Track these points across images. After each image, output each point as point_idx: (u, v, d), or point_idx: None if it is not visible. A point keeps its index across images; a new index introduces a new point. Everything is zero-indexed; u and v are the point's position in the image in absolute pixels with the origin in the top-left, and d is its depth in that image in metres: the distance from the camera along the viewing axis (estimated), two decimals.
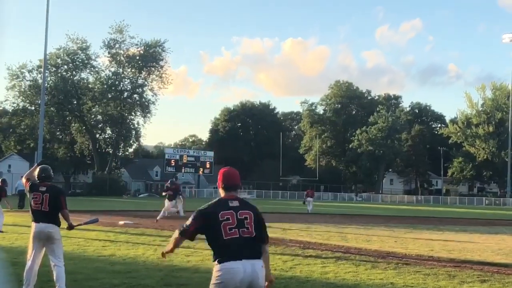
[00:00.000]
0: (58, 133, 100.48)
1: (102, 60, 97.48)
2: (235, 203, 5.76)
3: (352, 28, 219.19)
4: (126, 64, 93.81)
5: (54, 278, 8.79)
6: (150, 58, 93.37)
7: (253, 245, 5.66)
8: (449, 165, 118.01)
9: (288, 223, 27.89)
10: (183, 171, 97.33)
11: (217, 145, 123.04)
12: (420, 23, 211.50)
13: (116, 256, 13.56)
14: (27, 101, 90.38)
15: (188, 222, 5.66)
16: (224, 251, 5.50)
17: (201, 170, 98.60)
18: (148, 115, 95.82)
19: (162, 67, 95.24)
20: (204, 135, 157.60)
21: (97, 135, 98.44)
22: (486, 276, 12.18)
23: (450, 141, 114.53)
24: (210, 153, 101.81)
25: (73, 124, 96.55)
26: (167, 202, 28.39)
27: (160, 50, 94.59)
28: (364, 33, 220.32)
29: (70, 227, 9.19)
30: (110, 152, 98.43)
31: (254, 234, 5.72)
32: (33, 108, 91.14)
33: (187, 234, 5.69)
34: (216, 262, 5.51)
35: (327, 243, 18.55)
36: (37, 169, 9.13)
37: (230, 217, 5.60)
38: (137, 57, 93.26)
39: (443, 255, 16.01)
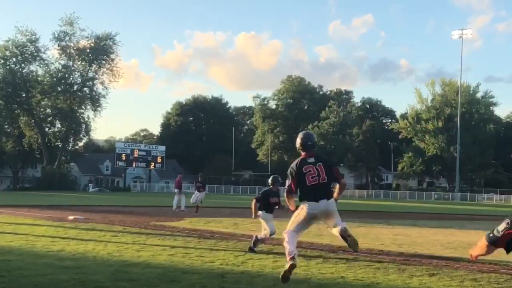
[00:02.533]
0: (6, 127, 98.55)
1: (52, 53, 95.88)
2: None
3: (305, 22, 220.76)
4: (76, 57, 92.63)
5: None
6: (100, 51, 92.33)
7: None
8: (399, 160, 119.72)
9: (240, 217, 27.85)
10: (134, 165, 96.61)
11: (169, 140, 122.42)
12: (372, 19, 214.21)
13: (66, 252, 13.34)
14: None
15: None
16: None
17: (153, 165, 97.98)
18: (99, 108, 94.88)
19: (113, 60, 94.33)
20: (156, 130, 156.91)
21: (46, 129, 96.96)
22: (435, 269, 12.34)
23: (400, 136, 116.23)
24: (162, 148, 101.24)
25: (21, 118, 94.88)
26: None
27: (111, 43, 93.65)
28: (316, 28, 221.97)
29: None
30: (60, 146, 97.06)
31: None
32: None
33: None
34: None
35: (278, 238, 18.58)
36: None
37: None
38: (88, 50, 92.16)
39: (393, 249, 16.19)
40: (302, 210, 9.38)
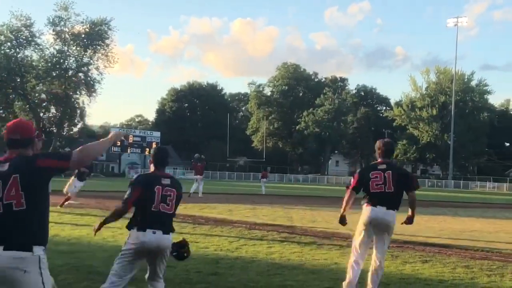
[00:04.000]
0: (1, 112, 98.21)
1: (47, 38, 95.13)
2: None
3: (301, 9, 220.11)
4: (71, 42, 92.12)
5: None
6: (95, 36, 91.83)
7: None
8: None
9: (234, 204, 27.94)
10: (128, 151, 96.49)
11: (164, 126, 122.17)
12: (369, 6, 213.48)
13: (60, 237, 13.39)
14: None
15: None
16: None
17: (147, 151, 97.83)
18: (94, 94, 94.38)
19: (108, 45, 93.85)
20: (151, 116, 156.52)
21: (41, 114, 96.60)
22: (428, 256, 12.46)
23: (394, 123, 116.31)
24: (157, 134, 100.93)
25: (16, 103, 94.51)
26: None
27: (106, 28, 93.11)
28: (313, 15, 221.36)
29: None
30: (54, 131, 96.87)
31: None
32: None
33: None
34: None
35: (273, 223, 18.67)
36: None
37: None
38: (83, 35, 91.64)
39: None
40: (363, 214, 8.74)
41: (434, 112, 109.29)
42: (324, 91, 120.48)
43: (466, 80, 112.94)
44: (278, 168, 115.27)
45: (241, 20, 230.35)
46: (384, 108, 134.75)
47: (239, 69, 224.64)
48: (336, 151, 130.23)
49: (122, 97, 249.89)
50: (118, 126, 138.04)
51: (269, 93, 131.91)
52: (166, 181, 6.82)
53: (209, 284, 8.59)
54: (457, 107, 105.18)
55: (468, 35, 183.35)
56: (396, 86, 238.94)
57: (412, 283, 9.39)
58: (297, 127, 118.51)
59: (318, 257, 11.59)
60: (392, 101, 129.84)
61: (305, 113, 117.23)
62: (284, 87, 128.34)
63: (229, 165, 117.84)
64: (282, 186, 69.74)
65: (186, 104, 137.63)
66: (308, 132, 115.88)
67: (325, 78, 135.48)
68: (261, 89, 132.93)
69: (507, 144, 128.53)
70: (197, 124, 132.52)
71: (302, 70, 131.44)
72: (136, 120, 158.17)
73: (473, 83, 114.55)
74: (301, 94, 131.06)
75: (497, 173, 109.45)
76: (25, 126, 4.84)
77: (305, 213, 24.31)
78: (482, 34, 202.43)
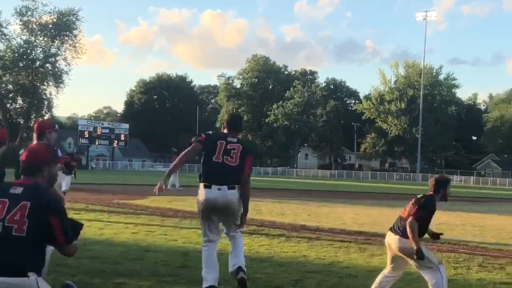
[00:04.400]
0: None
1: (14, 28, 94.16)
2: None
3: (271, 1, 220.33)
4: (39, 32, 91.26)
5: None
6: (63, 27, 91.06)
7: None
8: (362, 140, 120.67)
9: None
10: (97, 143, 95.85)
11: (133, 118, 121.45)
12: None
13: None
14: None
15: None
16: None
17: (116, 143, 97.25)
18: (61, 85, 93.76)
19: (76, 36, 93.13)
20: (119, 107, 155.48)
21: (8, 105, 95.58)
22: None
23: (363, 117, 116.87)
24: (125, 126, 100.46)
25: None
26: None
27: (74, 19, 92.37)
28: (282, 7, 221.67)
29: None
30: (21, 122, 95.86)
31: None
32: None
33: None
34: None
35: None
36: None
37: None
38: (50, 26, 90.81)
39: (355, 228, 16.39)
40: None
41: (403, 105, 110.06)
42: (294, 84, 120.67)
43: (434, 74, 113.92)
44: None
45: (211, 12, 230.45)
46: (354, 101, 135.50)
47: (208, 61, 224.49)
48: (305, 144, 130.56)
49: (90, 89, 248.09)
50: (86, 117, 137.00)
51: (238, 86, 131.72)
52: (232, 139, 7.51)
53: (177, 276, 8.55)
54: (426, 101, 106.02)
55: (437, 29, 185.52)
56: (366, 80, 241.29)
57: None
58: (267, 120, 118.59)
59: (287, 250, 11.60)
60: (362, 95, 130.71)
61: (274, 106, 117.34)
62: (253, 79, 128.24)
63: (198, 158, 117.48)
64: (251, 178, 69.58)
65: (155, 96, 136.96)
66: (278, 125, 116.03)
67: (295, 71, 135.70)
68: (230, 81, 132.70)
69: (474, 138, 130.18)
70: (166, 116, 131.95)
71: (272, 62, 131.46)
72: (104, 112, 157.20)
73: (442, 77, 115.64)
74: (270, 86, 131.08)
75: (464, 166, 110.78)
76: (36, 152, 4.74)
77: (274, 205, 24.34)
78: (450, 29, 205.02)
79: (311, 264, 9.71)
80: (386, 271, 7.58)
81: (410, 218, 7.10)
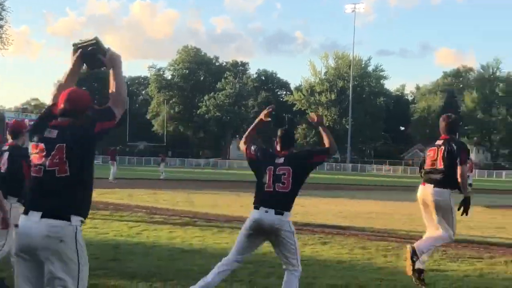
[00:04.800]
0: None
1: None
2: None
3: None
4: None
5: None
6: None
7: None
8: (293, 131, 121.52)
9: (134, 188, 27.60)
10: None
11: None
12: None
13: None
14: None
15: None
16: None
17: None
18: None
19: (2, 26, 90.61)
20: (48, 99, 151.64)
21: None
22: (327, 238, 12.69)
23: (294, 108, 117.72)
24: None
25: None
26: None
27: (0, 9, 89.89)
28: None
29: None
30: None
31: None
32: None
33: None
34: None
35: (174, 208, 18.57)
36: None
37: None
38: None
39: None
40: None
41: (333, 97, 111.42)
42: (225, 75, 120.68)
43: (363, 65, 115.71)
44: (180, 153, 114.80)
45: (140, 2, 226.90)
46: (285, 92, 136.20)
47: (138, 52, 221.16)
48: (237, 136, 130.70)
49: (17, 80, 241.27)
50: (13, 109, 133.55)
51: (169, 77, 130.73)
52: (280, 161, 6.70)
53: (108, 270, 8.42)
54: (355, 92, 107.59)
55: (366, 21, 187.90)
56: (297, 71, 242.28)
57: (312, 264, 9.52)
58: (198, 111, 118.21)
59: (220, 241, 11.60)
60: (293, 86, 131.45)
61: (206, 97, 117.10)
62: (185, 70, 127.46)
63: (128, 150, 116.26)
64: (183, 170, 69.53)
65: (84, 88, 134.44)
66: (209, 116, 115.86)
67: (226, 62, 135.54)
68: (161, 72, 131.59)
69: (402, 128, 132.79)
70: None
71: (203, 54, 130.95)
72: (32, 103, 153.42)
73: (370, 68, 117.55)
74: (202, 78, 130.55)
75: (392, 156, 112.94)
76: (78, 97, 4.71)
77: (207, 197, 24.33)
78: (379, 20, 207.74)
79: None
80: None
81: (460, 167, 7.18)
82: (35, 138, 4.46)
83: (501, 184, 55.71)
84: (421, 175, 8.36)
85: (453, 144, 7.83)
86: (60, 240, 4.19)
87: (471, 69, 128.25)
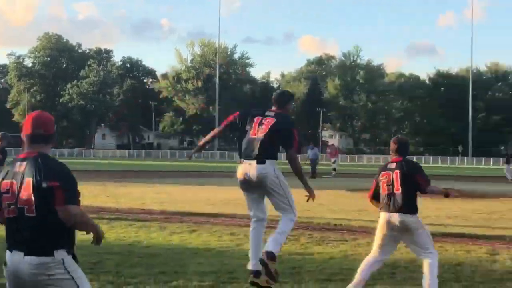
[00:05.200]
0: None
1: None
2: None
3: None
4: None
5: None
6: None
7: None
8: (160, 119, 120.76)
9: None
10: None
11: None
12: None
13: None
14: None
15: None
16: None
17: None
18: None
19: None
20: None
21: None
22: (196, 226, 12.68)
23: (161, 96, 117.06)
24: None
25: None
26: None
27: None
28: None
29: None
30: None
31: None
32: None
33: None
34: None
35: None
36: None
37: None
38: None
39: (155, 207, 16.37)
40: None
41: (200, 84, 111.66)
42: (89, 63, 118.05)
43: (229, 53, 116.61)
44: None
45: None
46: (151, 80, 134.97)
47: None
48: (102, 124, 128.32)
49: None
50: None
51: (30, 65, 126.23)
52: None
53: None
54: (222, 80, 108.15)
55: (232, 9, 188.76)
56: (163, 58, 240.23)
57: (180, 253, 9.48)
58: (61, 99, 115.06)
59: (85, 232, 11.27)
60: (159, 73, 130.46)
61: (69, 85, 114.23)
62: (46, 58, 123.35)
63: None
64: None
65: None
66: (73, 104, 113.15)
67: (89, 50, 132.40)
68: (21, 60, 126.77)
69: None
70: None
71: (65, 41, 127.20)
72: None
73: (236, 56, 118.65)
74: (64, 65, 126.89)
75: None
76: (48, 120, 4.42)
77: None
78: (244, 8, 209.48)
79: (109, 245, 9.47)
80: (374, 255, 7.09)
81: (426, 187, 6.85)
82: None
83: (363, 168, 57.82)
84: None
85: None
86: (49, 276, 3.97)
87: (333, 57, 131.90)
